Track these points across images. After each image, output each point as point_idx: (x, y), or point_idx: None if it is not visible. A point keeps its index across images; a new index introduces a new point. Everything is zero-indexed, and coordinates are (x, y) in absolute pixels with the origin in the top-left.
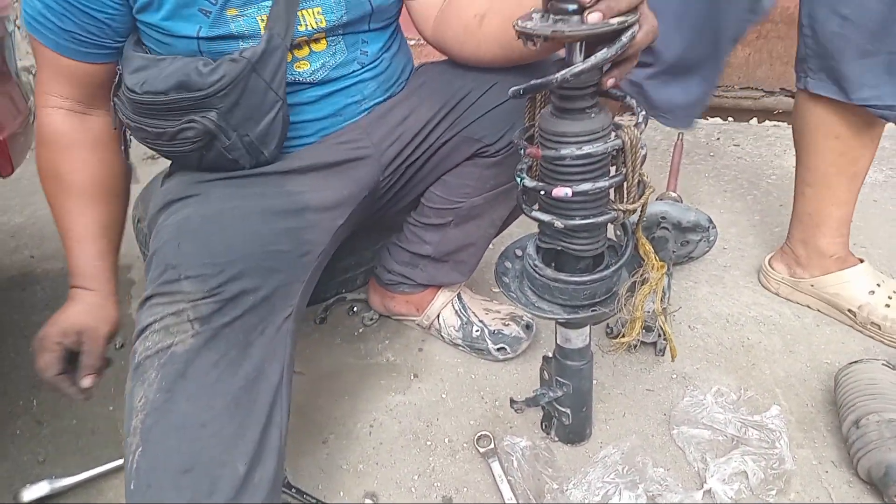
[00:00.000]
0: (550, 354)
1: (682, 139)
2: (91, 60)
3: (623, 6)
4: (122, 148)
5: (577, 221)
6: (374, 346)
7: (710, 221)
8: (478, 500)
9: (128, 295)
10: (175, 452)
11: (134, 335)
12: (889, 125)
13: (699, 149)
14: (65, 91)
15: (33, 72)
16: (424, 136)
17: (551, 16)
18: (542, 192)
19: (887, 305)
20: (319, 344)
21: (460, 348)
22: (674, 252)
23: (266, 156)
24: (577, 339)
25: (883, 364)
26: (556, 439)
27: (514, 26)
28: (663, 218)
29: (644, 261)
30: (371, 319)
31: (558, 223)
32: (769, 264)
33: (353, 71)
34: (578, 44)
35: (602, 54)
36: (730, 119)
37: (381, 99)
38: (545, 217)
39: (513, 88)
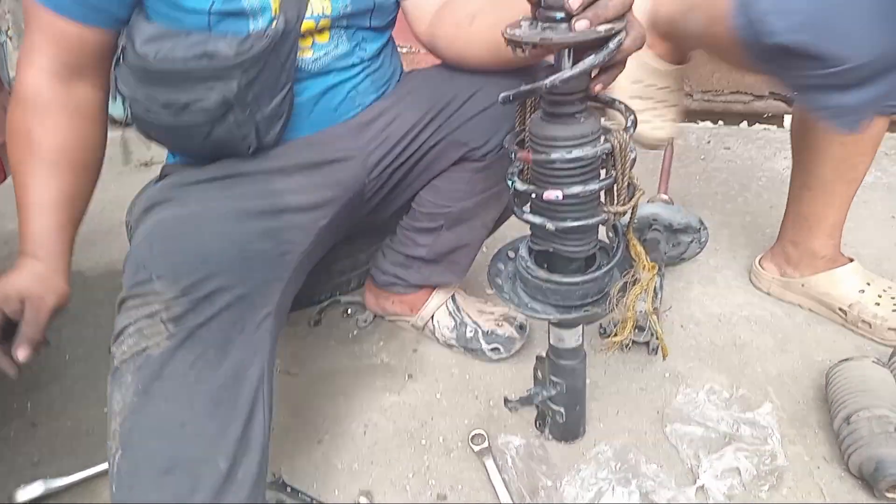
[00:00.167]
0: (544, 354)
1: (672, 143)
2: (89, 23)
3: (610, 14)
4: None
5: (569, 224)
6: (369, 347)
7: (702, 223)
8: (472, 498)
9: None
10: (155, 453)
11: (111, 339)
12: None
13: (690, 152)
14: (52, 55)
15: None
16: (410, 139)
17: (540, 23)
18: (534, 195)
19: (877, 304)
20: (314, 346)
21: (454, 349)
22: (665, 253)
23: (269, 138)
24: (571, 338)
25: (873, 361)
26: (550, 437)
27: (502, 34)
28: (655, 220)
29: (635, 262)
30: (365, 321)
31: (550, 225)
32: (760, 264)
33: (353, 64)
34: (567, 51)
35: (590, 61)
36: (720, 122)
37: (374, 97)
38: (537, 219)
39: (503, 94)
